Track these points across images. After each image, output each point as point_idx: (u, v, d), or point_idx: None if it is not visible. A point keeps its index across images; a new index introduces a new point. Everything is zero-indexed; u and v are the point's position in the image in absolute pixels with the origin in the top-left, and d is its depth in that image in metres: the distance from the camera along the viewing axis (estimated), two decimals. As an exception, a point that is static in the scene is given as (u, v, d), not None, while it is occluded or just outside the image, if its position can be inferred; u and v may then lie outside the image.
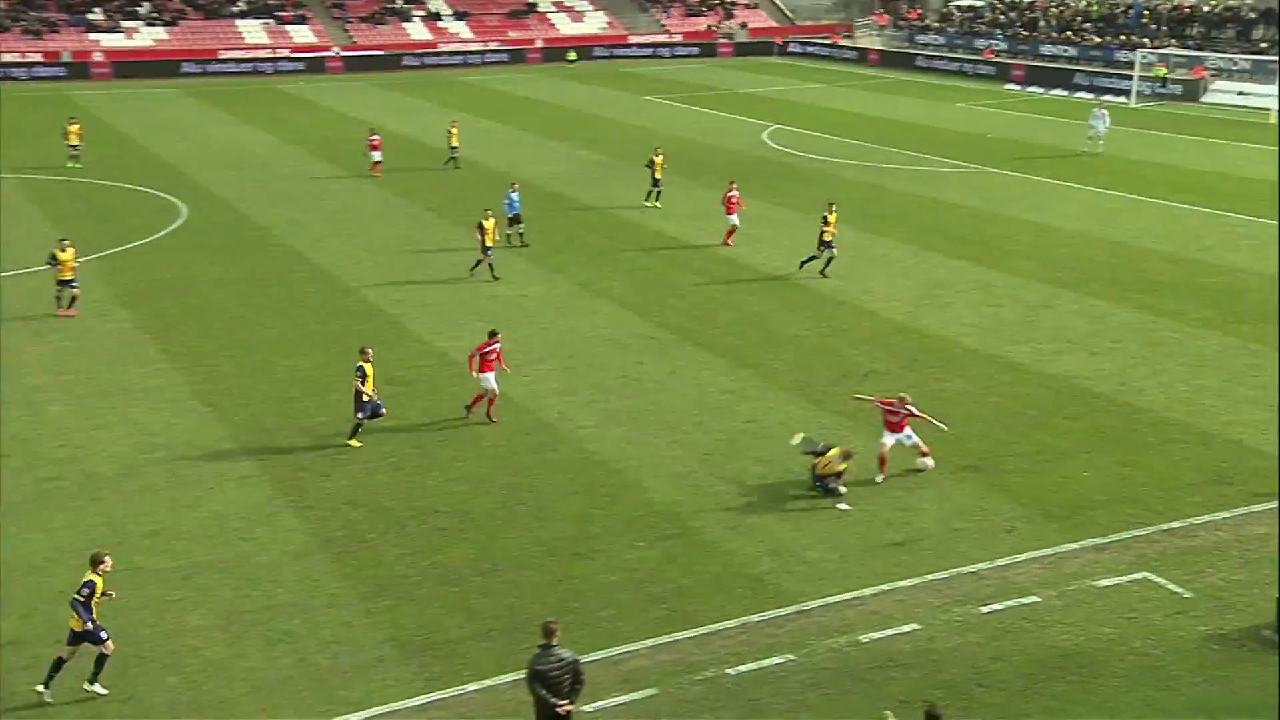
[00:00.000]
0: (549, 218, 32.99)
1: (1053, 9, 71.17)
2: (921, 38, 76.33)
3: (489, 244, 26.52)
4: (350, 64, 70.70)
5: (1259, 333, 22.92)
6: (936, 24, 77.08)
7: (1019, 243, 30.31)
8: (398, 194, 36.54)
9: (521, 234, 29.78)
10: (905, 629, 13.55)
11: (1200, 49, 58.62)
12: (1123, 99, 54.92)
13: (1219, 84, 54.54)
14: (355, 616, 13.98)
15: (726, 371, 21.52)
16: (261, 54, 70.68)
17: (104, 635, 12.36)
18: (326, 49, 72.17)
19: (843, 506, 15.63)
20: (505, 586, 14.55)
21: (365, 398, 18.10)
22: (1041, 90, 60.09)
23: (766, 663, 13.00)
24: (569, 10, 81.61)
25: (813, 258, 27.07)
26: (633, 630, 13.60)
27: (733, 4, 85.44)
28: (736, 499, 16.56)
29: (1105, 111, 43.08)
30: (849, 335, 23.49)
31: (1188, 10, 64.05)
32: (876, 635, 13.43)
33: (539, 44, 76.79)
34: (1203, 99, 53.65)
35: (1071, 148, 43.78)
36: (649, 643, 13.37)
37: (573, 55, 74.40)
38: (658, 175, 33.84)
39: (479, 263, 26.90)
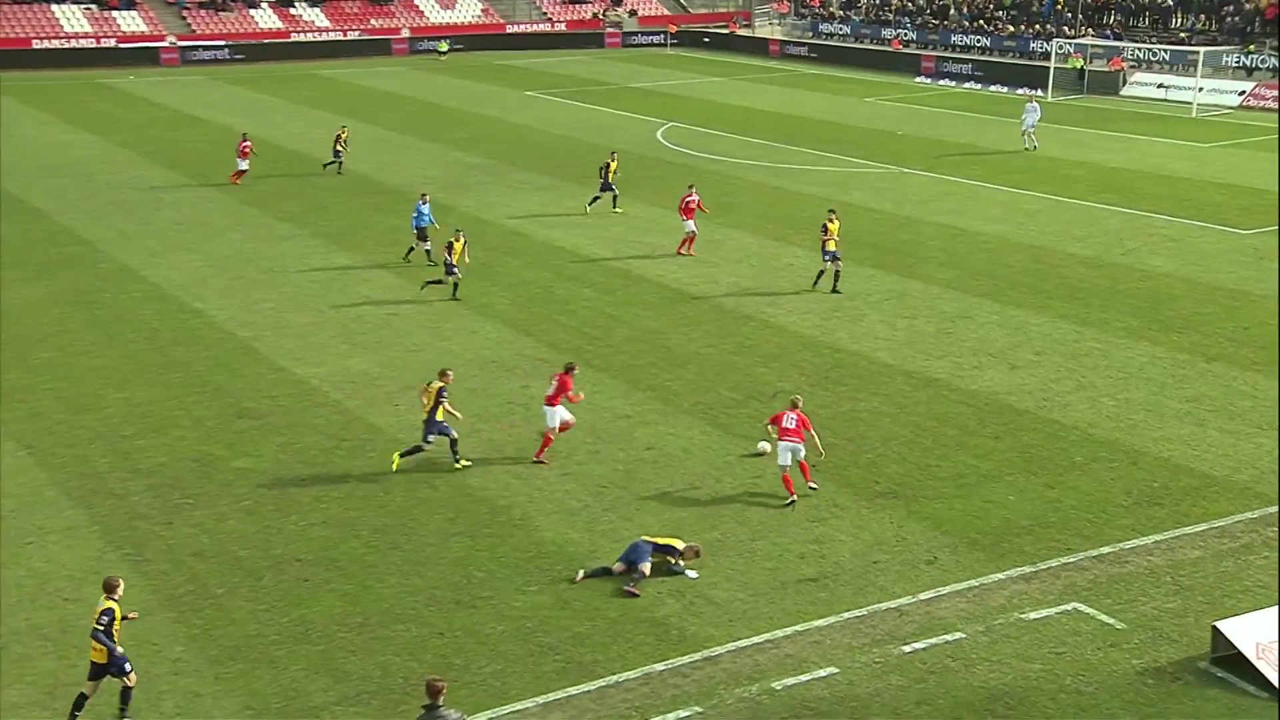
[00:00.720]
0: (420, 226, 32.76)
1: (963, -6, 73.51)
2: (825, 27, 78.08)
3: (454, 262, 26.58)
4: (187, 55, 69.21)
5: (1187, 342, 23.95)
6: (841, 12, 78.93)
7: (934, 249, 31.15)
8: (247, 203, 35.84)
9: (429, 251, 29.22)
10: (822, 673, 13.73)
11: (1118, 39, 61.23)
12: (1039, 92, 56.98)
13: (1139, 76, 56.97)
14: (204, 684, 13.60)
15: (622, 394, 21.61)
16: (84, 44, 68.72)
17: (128, 666, 12.85)
18: (160, 38, 70.52)
19: (691, 575, 15.71)
20: (377, 643, 14.33)
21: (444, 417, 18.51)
22: (953, 83, 61.99)
23: (672, 716, 13.03)
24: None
25: (821, 273, 27.29)
26: (523, 686, 13.51)
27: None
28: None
29: (1037, 105, 44.91)
30: (755, 352, 23.80)
31: (1103, -2, 66.87)
32: (791, 681, 13.58)
33: (405, 33, 76.32)
34: (1122, 92, 55.96)
35: (986, 145, 45.21)
36: (541, 699, 13.30)
37: (444, 46, 74.13)
38: (611, 180, 34.15)
39: (441, 282, 26.73)
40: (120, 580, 13.12)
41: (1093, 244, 31.11)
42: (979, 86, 60.85)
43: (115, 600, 12.84)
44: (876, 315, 25.94)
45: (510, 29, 79.93)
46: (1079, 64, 57.97)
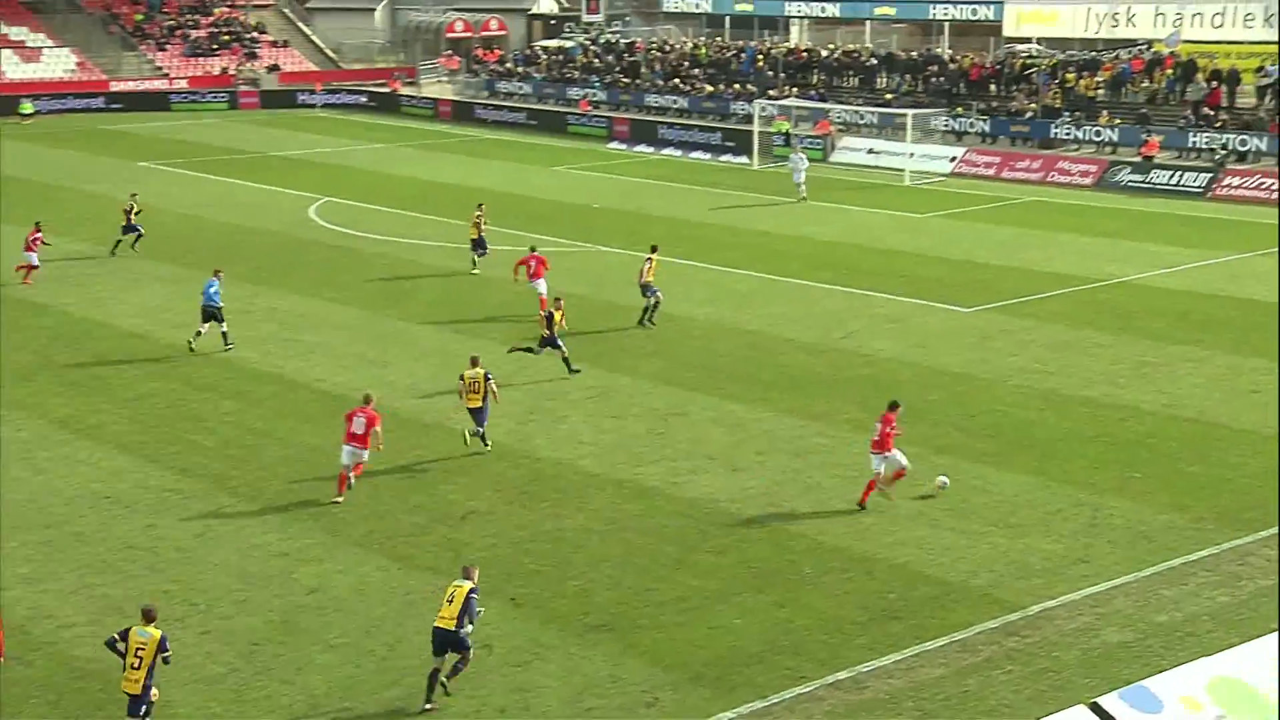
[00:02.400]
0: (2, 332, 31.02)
1: (655, 52, 77.15)
2: (504, 85, 79.92)
3: (550, 333, 28.35)
4: None
5: (915, 434, 25.54)
6: (521, 69, 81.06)
7: (640, 337, 32.11)
8: None
9: (225, 334, 30.20)
10: None
11: (824, 100, 65.73)
12: (744, 159, 60.28)
13: (848, 140, 61.22)
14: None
15: (278, 527, 21.04)
16: None
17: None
18: None
19: None
20: None
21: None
22: (650, 149, 64.61)
23: None
24: (20, 47, 77.74)
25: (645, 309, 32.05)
26: None
27: (255, 41, 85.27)
28: (300, 701, 15.98)
29: (803, 155, 49.65)
30: (439, 467, 23.67)
31: (804, 55, 71.78)
32: None
33: (-28, 92, 72.60)
34: (832, 158, 59.93)
35: (685, 216, 47.25)
36: None
37: (28, 107, 71.05)
38: (478, 235, 36.70)
39: (532, 351, 28.77)
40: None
41: (811, 327, 32.90)
42: (679, 153, 63.67)
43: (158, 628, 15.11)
44: (579, 416, 26.37)
45: (115, 86, 77.31)
46: (785, 127, 61.71)
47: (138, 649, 14.88)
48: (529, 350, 28.89)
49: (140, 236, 40.17)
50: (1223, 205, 48.32)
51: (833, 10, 75.24)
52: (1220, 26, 58.94)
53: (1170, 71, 59.35)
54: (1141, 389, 27.65)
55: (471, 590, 16.18)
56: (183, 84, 79.34)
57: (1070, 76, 60.64)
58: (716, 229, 45.21)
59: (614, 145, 66.59)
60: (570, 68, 79.08)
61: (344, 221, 45.69)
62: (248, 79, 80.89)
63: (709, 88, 70.66)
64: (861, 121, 62.93)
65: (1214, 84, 56.80)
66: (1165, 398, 26.76)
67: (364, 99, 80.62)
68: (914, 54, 68.89)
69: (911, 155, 56.28)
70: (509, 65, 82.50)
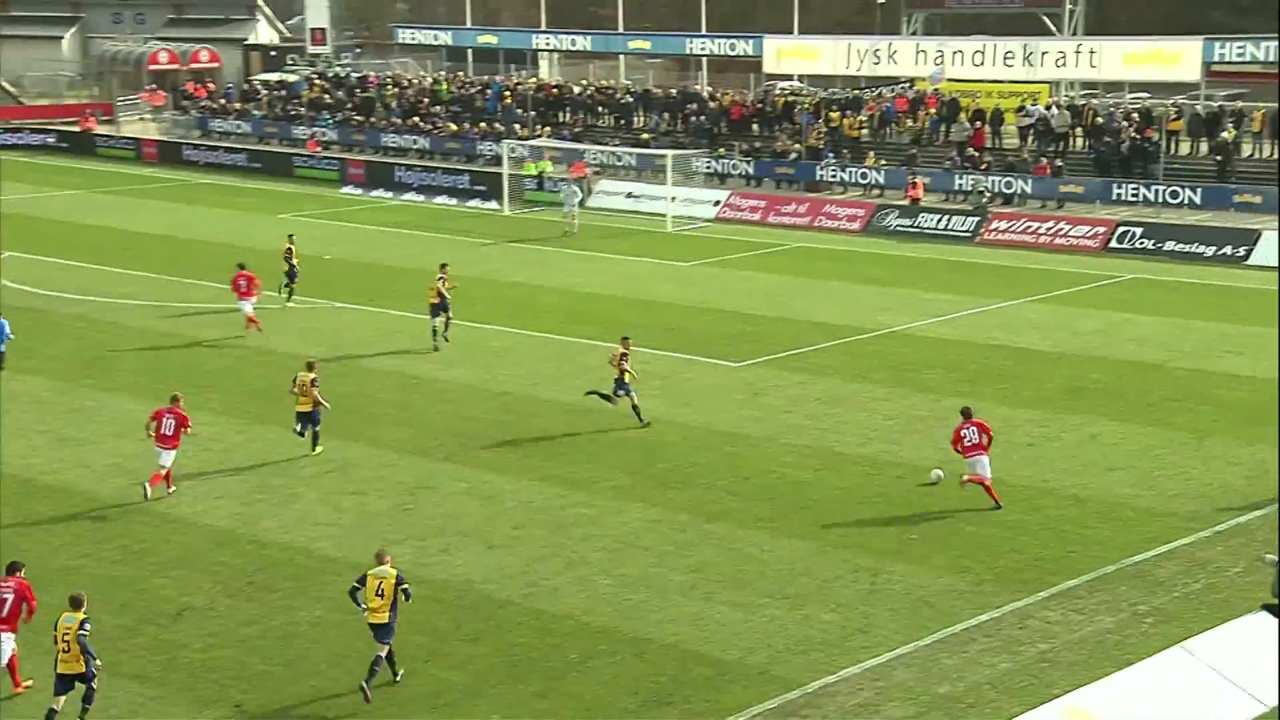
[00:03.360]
0: None
1: (391, 87, 76.94)
2: (219, 124, 78.47)
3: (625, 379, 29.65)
4: None
5: (685, 499, 26.01)
6: (239, 105, 79.71)
7: (383, 403, 31.80)
8: None
9: None
10: None
11: (578, 140, 66.64)
12: (494, 204, 60.50)
13: (605, 184, 62.14)
14: None
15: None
16: None
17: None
18: None
19: None
20: None
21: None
22: (390, 194, 64.27)
23: None
24: None
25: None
26: None
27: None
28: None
29: (576, 187, 52.01)
30: (148, 558, 23.02)
31: (555, 92, 72.71)
32: None
33: None
34: (589, 203, 60.68)
35: (430, 268, 47.05)
36: None
37: None
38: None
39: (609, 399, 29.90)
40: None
41: (571, 387, 33.14)
42: (421, 198, 63.51)
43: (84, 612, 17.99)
44: (313, 494, 25.94)
45: None
46: (539, 168, 62.29)
47: None
48: (606, 398, 29.87)
49: None
50: (991, 250, 50.84)
51: (584, 44, 76.65)
52: (981, 65, 62.36)
53: (934, 111, 62.40)
54: (918, 445, 28.75)
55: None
56: None
57: (834, 115, 63.10)
58: (466, 281, 45.10)
59: (348, 190, 66.02)
60: (295, 104, 78.15)
61: (32, 280, 44.03)
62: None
63: (453, 126, 70.83)
64: (619, 163, 64.01)
65: (977, 124, 59.93)
66: (942, 454, 27.84)
67: (51, 139, 77.88)
68: (672, 91, 70.60)
69: (673, 199, 57.43)
70: (224, 101, 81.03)
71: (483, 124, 69.92)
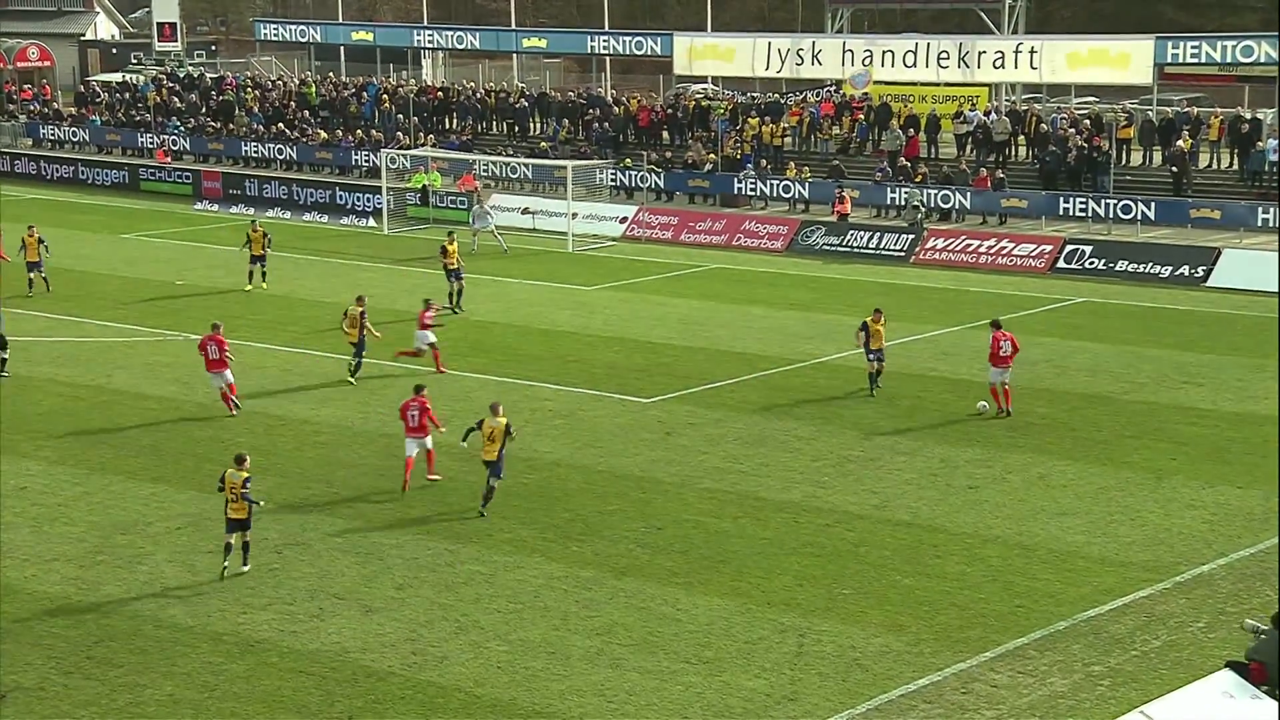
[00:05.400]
0: None
1: (251, 90, 76.47)
2: (51, 130, 77.55)
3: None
4: None
5: (590, 553, 25.94)
6: (74, 110, 78.87)
7: (241, 445, 31.31)
8: None
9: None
10: None
11: (467, 149, 66.60)
12: (371, 222, 60.21)
13: (497, 198, 62.13)
14: None
15: None
16: None
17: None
18: None
19: None
20: None
21: None
22: (250, 210, 63.69)
23: None
24: None
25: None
26: None
27: None
28: None
29: (488, 208, 53.98)
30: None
31: (440, 95, 72.68)
32: None
33: None
34: (478, 221, 60.53)
35: (301, 294, 46.79)
36: None
37: None
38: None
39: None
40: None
41: (460, 426, 32.97)
42: (287, 215, 63.13)
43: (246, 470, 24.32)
44: (163, 553, 25.70)
45: None
46: (424, 181, 62.09)
47: None
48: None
49: None
50: (927, 271, 51.47)
51: (472, 41, 76.71)
52: (913, 66, 63.04)
53: (862, 117, 63.03)
54: (848, 489, 28.98)
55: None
56: None
57: (753, 122, 63.56)
58: (338, 309, 44.88)
59: (202, 206, 65.54)
60: (141, 108, 77.44)
61: None
62: None
63: (323, 134, 70.56)
64: (514, 175, 64.06)
65: (910, 132, 60.59)
66: (875, 498, 28.11)
67: None
68: (572, 94, 70.81)
69: (575, 216, 57.55)
70: (57, 105, 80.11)
71: (358, 131, 69.73)
